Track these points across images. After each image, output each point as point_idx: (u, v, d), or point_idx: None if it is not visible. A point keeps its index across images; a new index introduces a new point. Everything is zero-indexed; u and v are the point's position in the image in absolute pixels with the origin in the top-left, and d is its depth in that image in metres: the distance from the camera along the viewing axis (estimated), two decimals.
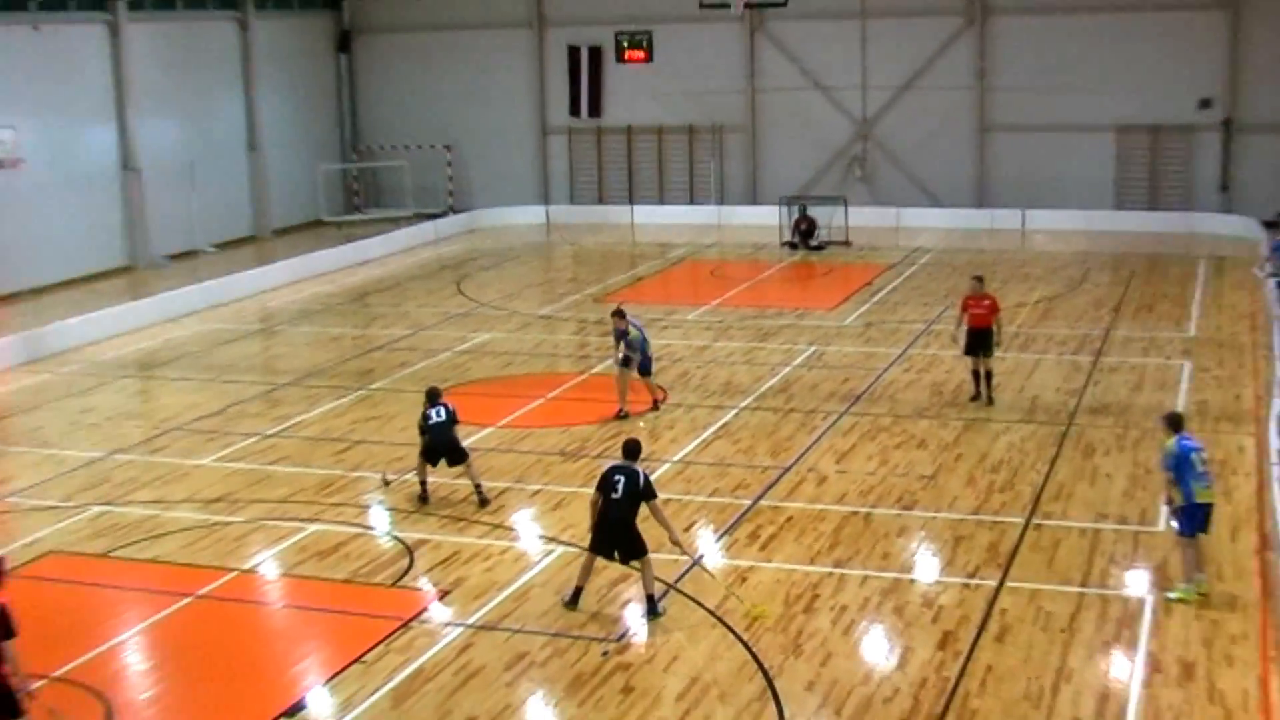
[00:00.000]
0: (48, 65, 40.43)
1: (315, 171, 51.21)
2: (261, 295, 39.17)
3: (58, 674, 16.03)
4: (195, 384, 29.67)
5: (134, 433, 26.01)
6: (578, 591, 17.34)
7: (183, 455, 24.45)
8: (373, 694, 15.39)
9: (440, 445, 21.08)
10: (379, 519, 20.82)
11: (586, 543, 17.43)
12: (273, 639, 17.62)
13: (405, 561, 19.00)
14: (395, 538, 19.98)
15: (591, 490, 17.41)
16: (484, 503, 20.97)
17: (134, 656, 17.01)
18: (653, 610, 17.03)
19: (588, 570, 17.38)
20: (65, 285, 39.72)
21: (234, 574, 19.02)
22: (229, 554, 19.69)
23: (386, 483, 21.96)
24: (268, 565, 19.42)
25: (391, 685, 15.57)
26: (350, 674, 15.91)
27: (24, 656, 13.69)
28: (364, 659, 16.20)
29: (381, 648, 16.43)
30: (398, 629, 16.85)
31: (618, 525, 16.98)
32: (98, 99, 42.18)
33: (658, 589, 17.19)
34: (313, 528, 20.45)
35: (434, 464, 21.25)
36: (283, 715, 15.07)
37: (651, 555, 16.96)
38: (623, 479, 17.01)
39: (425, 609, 17.57)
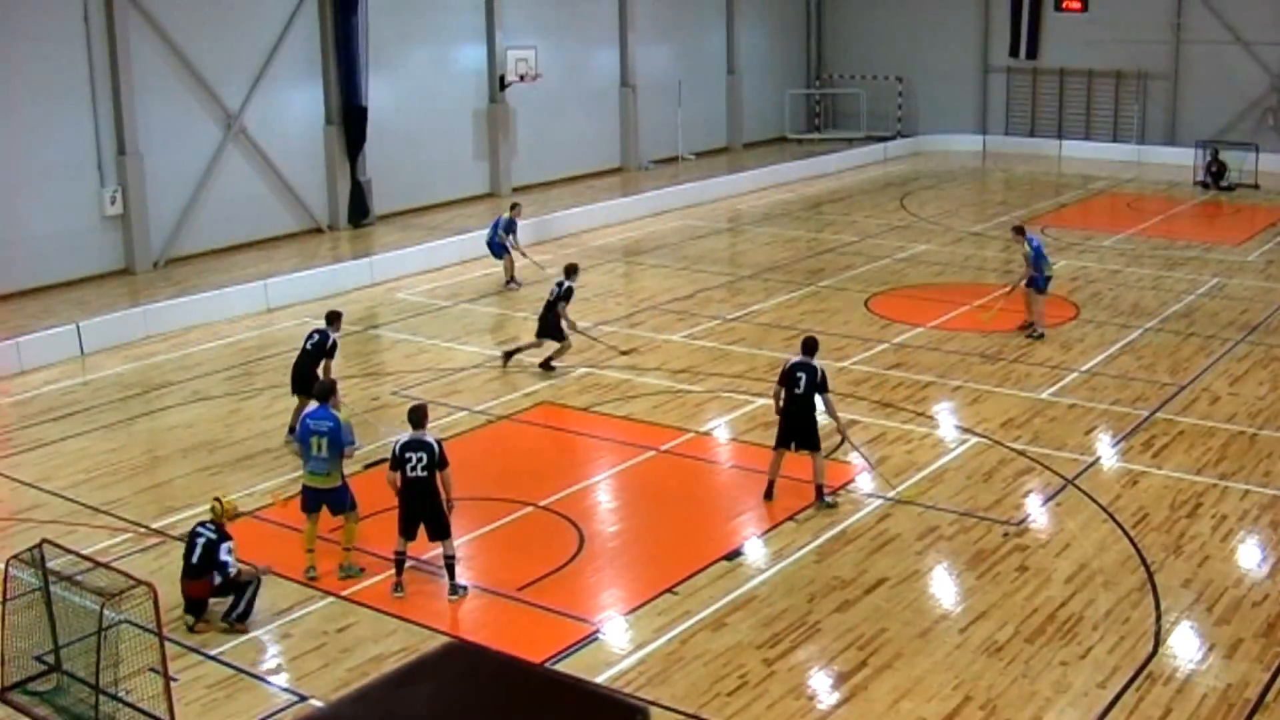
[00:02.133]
0: None
1: (782, 94, 51.15)
2: (730, 199, 39.51)
3: (543, 504, 16.75)
4: (670, 270, 30.25)
5: (617, 308, 26.75)
6: (770, 485, 16.77)
7: (655, 330, 25.02)
8: (801, 549, 15.49)
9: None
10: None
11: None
12: (719, 493, 17.91)
13: (837, 438, 18.97)
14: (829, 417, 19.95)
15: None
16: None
17: (604, 495, 17.62)
18: (822, 500, 16.49)
19: (776, 466, 16.75)
20: (568, 181, 40.95)
21: (691, 435, 19.41)
22: (689, 417, 20.09)
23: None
24: (720, 430, 19.73)
25: (817, 543, 15.63)
26: (783, 529, 16.05)
27: (515, 488, 14.34)
28: (795, 518, 16.32)
29: (811, 510, 16.50)
30: (827, 495, 16.85)
31: (799, 418, 16.41)
32: (604, 25, 43.04)
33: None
34: (761, 401, 20.55)
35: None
36: (723, 558, 15.32)
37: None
38: (804, 375, 16.36)
39: (852, 480, 17.55)
